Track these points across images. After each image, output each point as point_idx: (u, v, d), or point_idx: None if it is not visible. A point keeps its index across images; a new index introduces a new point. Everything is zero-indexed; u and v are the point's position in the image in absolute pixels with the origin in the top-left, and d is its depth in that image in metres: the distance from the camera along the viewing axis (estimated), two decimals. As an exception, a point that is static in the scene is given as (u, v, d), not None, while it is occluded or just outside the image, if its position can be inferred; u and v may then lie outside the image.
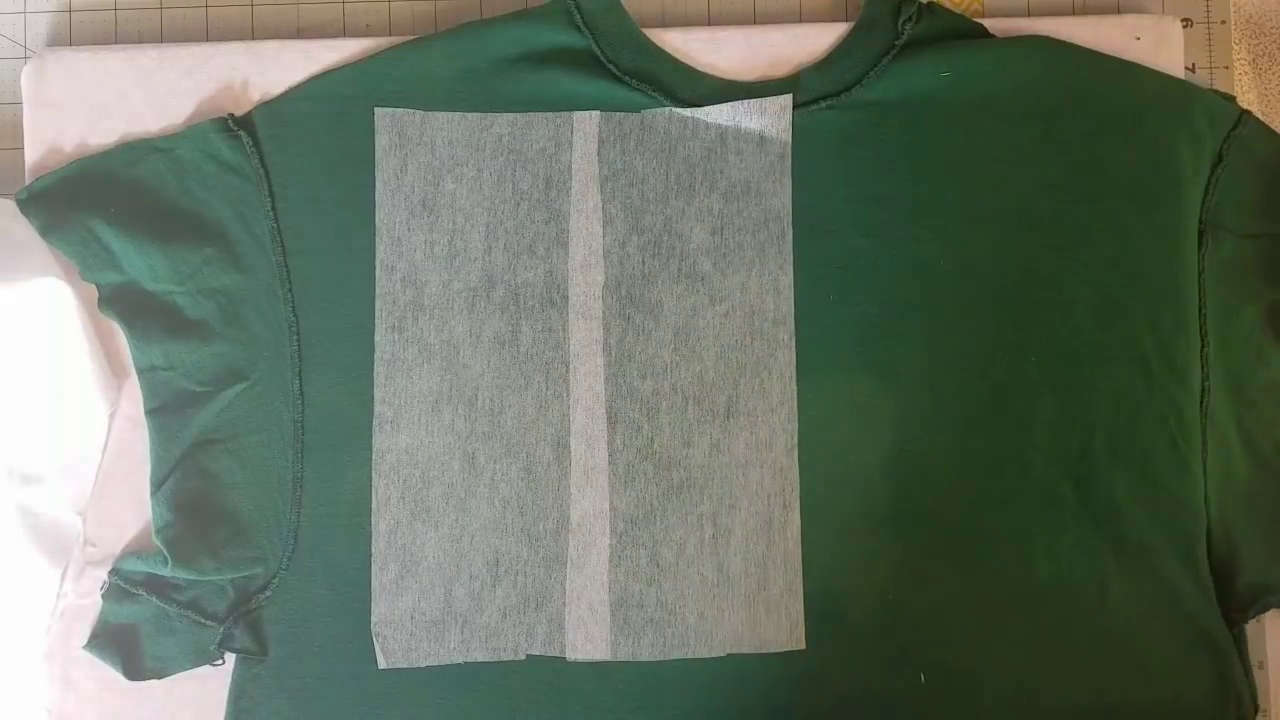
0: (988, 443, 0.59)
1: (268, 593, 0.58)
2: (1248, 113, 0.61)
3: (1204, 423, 0.59)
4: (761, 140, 0.60)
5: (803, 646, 0.58)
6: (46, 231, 0.59)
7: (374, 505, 0.59)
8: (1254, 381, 0.61)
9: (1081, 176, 0.59)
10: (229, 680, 0.58)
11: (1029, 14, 0.65)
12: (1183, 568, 0.58)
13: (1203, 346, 0.59)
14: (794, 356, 0.59)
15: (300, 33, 0.65)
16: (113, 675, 0.58)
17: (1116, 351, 0.59)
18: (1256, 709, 0.59)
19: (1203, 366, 0.59)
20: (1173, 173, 0.59)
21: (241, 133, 0.59)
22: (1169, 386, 0.59)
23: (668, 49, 0.61)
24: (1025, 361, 0.59)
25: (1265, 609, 0.59)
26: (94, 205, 0.59)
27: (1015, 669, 0.58)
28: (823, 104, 0.60)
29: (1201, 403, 0.59)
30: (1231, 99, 0.61)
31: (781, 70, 0.61)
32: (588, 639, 0.58)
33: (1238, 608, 0.59)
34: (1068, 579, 0.58)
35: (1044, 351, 0.59)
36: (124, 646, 0.58)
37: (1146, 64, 0.61)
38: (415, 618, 0.58)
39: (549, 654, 0.58)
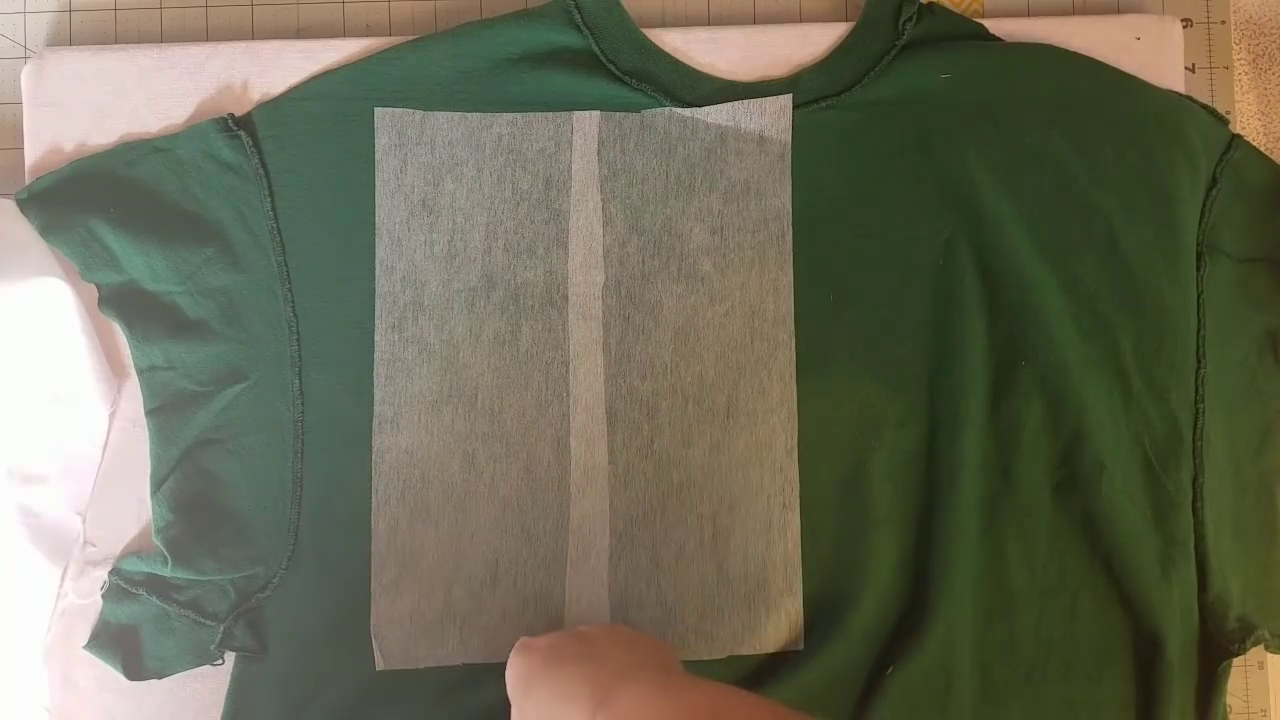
0: (980, 444, 0.59)
1: (267, 592, 0.58)
2: (1238, 137, 0.61)
3: (1198, 445, 0.59)
4: (761, 140, 0.60)
5: (802, 647, 0.58)
6: (46, 231, 0.59)
7: (374, 505, 0.59)
8: (1244, 408, 0.60)
9: (1076, 186, 0.59)
10: (229, 680, 0.58)
11: (1029, 14, 0.65)
12: (1154, 587, 0.58)
13: (1199, 368, 0.59)
14: (794, 356, 0.59)
15: (300, 33, 0.65)
16: (113, 675, 0.58)
17: (1099, 364, 0.59)
18: None
19: (1198, 388, 0.59)
20: (1167, 191, 0.59)
21: (241, 133, 0.59)
22: (1145, 405, 0.59)
23: (668, 49, 0.61)
24: (1017, 366, 0.59)
25: (1257, 643, 0.58)
26: (94, 205, 0.59)
27: (991, 671, 0.58)
28: (823, 104, 0.60)
29: (1195, 425, 0.59)
30: (1224, 121, 0.61)
31: (781, 70, 0.61)
32: (588, 639, 0.58)
33: (1233, 640, 0.58)
34: (1043, 585, 0.58)
35: (1035, 357, 0.59)
36: (124, 646, 0.58)
37: (1147, 63, 0.61)
38: (414, 618, 0.58)
39: (549, 654, 0.58)
